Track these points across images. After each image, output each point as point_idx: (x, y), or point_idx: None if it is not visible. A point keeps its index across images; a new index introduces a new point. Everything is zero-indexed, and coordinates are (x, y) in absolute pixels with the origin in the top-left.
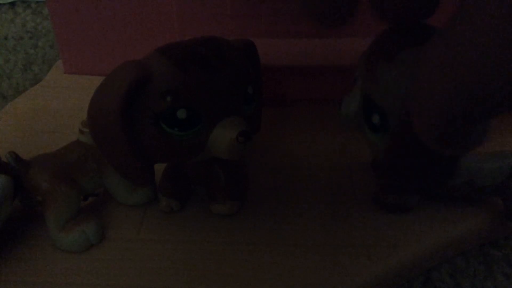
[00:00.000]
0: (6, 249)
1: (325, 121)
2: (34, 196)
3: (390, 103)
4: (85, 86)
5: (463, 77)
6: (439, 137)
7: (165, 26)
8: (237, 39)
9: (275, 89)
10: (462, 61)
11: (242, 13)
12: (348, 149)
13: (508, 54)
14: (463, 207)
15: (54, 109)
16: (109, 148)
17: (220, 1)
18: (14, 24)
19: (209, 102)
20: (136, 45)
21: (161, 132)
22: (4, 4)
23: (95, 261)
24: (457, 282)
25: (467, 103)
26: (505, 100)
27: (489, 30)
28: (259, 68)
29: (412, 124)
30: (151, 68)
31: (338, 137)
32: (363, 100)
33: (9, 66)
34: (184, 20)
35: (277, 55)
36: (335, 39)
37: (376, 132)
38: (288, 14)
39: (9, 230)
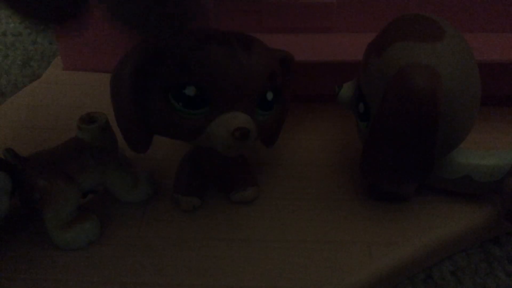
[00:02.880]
0: (4, 246)
1: (327, 119)
2: (32, 193)
3: (372, 94)
4: (84, 82)
5: None
6: None
7: None
8: (278, 49)
9: None
10: None
11: (242, 8)
12: (350, 148)
13: None
14: (464, 205)
15: (52, 105)
16: (118, 110)
17: None
18: (13, 20)
19: (219, 84)
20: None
21: (167, 104)
22: None
23: (95, 259)
24: (458, 279)
25: None
26: None
27: None
28: (290, 85)
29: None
30: (172, 41)
31: (340, 136)
32: (356, 89)
33: (8, 62)
34: None
35: None
36: (335, 34)
37: (362, 120)
38: (288, 10)
39: (7, 228)
